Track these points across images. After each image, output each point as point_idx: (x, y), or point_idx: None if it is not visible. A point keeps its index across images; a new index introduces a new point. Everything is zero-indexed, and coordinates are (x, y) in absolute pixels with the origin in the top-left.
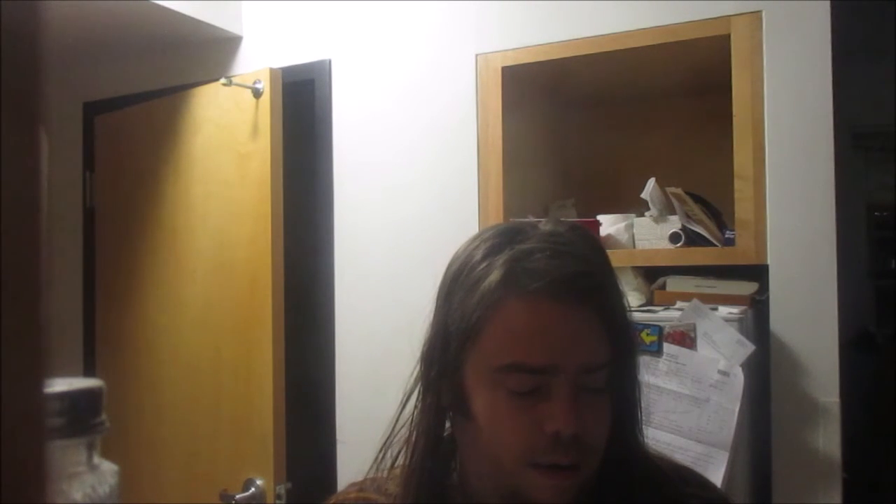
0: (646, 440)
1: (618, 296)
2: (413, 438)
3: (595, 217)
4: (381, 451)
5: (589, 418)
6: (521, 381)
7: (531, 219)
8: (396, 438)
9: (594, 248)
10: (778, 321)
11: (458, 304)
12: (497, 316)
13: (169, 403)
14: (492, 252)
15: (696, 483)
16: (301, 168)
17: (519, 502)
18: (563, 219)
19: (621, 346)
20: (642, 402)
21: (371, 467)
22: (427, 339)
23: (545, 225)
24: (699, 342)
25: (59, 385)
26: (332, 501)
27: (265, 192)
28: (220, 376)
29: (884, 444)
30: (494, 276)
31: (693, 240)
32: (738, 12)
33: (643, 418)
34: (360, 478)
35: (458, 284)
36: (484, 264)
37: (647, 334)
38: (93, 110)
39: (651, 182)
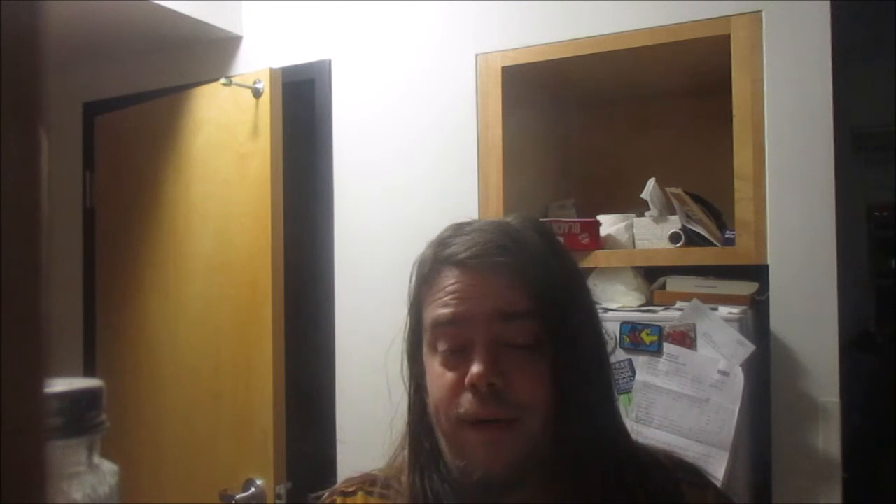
0: (621, 416)
1: (549, 270)
2: (405, 427)
3: (595, 217)
4: (402, 444)
5: (513, 372)
6: (447, 339)
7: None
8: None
9: (535, 232)
10: (778, 321)
11: (410, 290)
12: (428, 287)
13: (169, 403)
14: (437, 238)
15: (690, 470)
16: (301, 168)
17: (467, 463)
18: (565, 217)
19: (549, 307)
20: (609, 375)
21: (388, 461)
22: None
23: (500, 218)
24: (699, 342)
25: (59, 385)
26: (337, 499)
27: (265, 192)
28: (220, 376)
29: (884, 444)
30: (428, 253)
31: (693, 240)
32: (738, 12)
33: (617, 396)
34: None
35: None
36: (429, 250)
37: (647, 334)
38: (93, 110)
39: (651, 182)
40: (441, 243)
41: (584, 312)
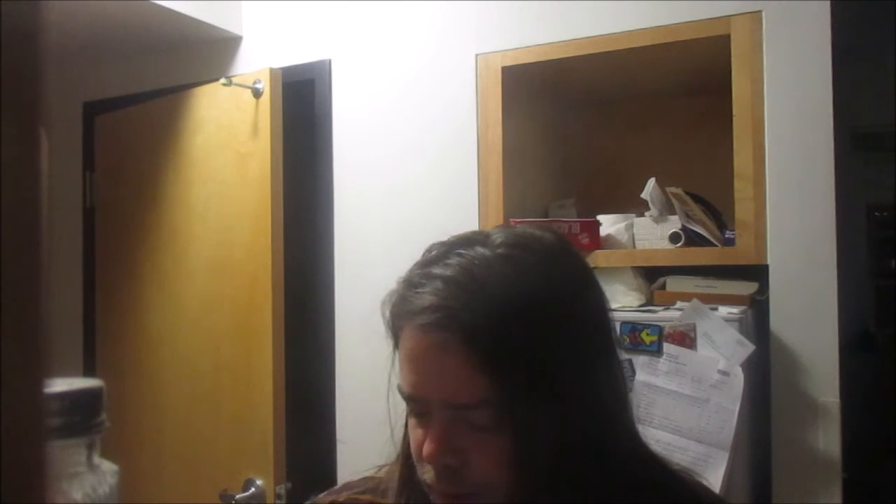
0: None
1: (519, 332)
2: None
3: (595, 217)
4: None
5: (469, 451)
6: (411, 405)
7: (488, 230)
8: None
9: (517, 269)
10: (778, 321)
11: (386, 321)
12: (397, 333)
13: (169, 403)
14: (407, 276)
15: None
16: (301, 168)
17: None
18: (565, 217)
19: (511, 389)
20: (616, 421)
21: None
22: None
23: (478, 245)
24: (699, 342)
25: (59, 385)
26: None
27: (265, 192)
28: (219, 376)
29: (884, 444)
30: (396, 295)
31: (693, 240)
32: (738, 12)
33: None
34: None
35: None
36: (398, 289)
37: (647, 334)
38: (93, 110)
39: (651, 182)
40: (408, 286)
41: (572, 369)
